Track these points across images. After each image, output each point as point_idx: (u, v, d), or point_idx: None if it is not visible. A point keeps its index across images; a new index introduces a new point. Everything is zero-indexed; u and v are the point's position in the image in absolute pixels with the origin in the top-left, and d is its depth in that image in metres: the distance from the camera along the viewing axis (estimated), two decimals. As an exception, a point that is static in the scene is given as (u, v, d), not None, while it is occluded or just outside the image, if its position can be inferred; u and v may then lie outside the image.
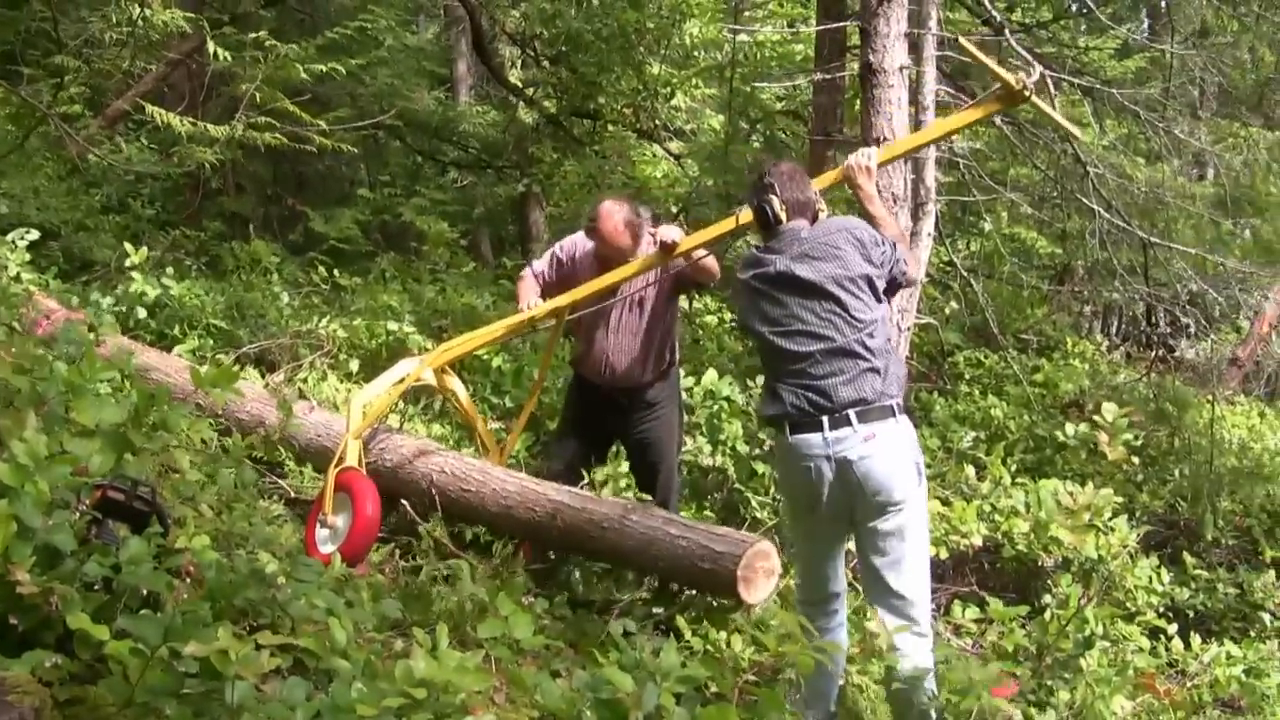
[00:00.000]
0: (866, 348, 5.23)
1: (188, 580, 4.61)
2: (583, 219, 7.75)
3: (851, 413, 5.16)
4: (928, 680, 5.16)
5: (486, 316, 10.71)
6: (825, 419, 5.18)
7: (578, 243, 7.37)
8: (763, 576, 5.94)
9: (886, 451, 5.16)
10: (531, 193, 16.92)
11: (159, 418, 5.07)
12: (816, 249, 5.38)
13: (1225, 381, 15.34)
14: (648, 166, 17.87)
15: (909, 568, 5.25)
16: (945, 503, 8.23)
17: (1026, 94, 5.62)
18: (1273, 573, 8.92)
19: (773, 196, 5.54)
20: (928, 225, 8.15)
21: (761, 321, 5.42)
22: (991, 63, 5.54)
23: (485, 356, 9.70)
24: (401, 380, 7.09)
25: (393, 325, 10.23)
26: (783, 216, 5.54)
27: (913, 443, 5.32)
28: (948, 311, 11.90)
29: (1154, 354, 14.56)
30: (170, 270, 10.47)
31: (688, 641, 5.78)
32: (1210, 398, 10.97)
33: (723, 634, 5.84)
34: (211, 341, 9.72)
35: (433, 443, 7.36)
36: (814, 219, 5.63)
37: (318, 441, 7.50)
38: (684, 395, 8.39)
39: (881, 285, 5.40)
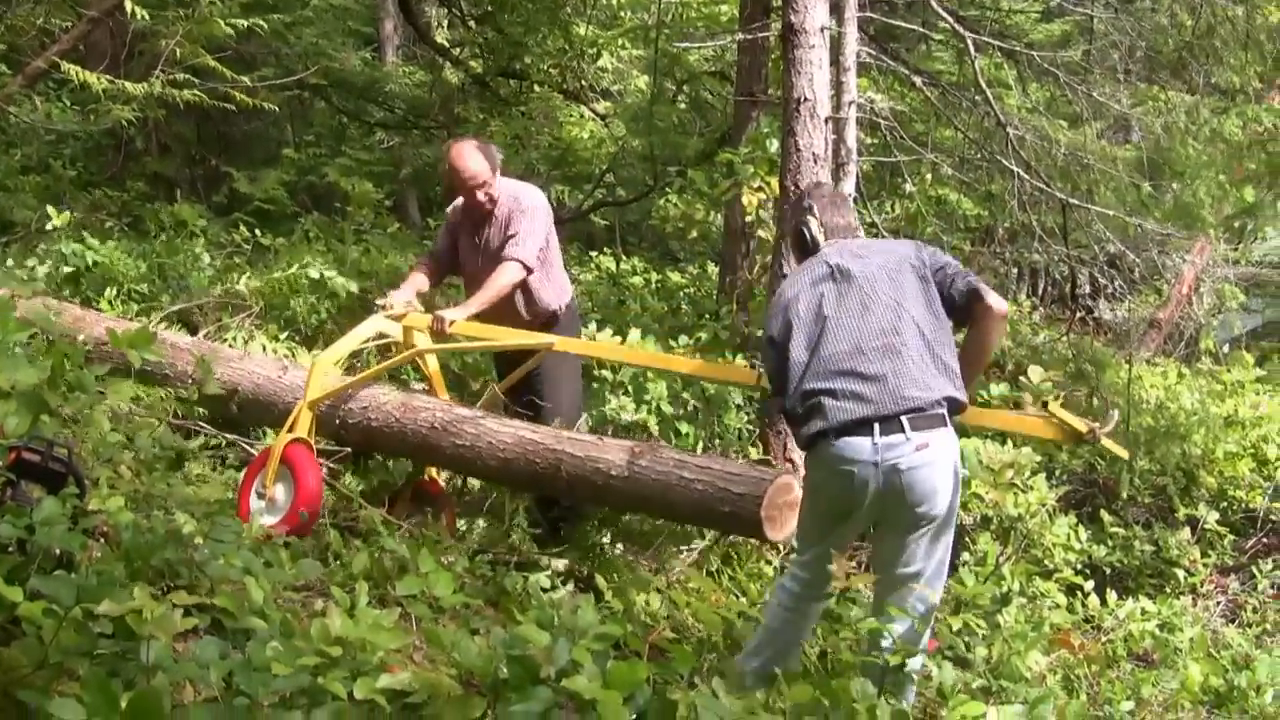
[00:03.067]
0: (924, 350, 5.04)
1: (102, 541, 4.59)
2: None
3: (905, 419, 4.92)
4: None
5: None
6: (877, 425, 4.92)
7: (455, 204, 7.55)
8: (787, 511, 5.84)
9: (937, 463, 4.96)
10: (458, 154, 16.85)
11: (75, 378, 5.04)
12: (864, 249, 5.31)
13: (1146, 343, 15.53)
14: (574, 128, 17.84)
15: (933, 576, 5.20)
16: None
17: (1096, 440, 5.38)
18: (1187, 530, 9.04)
19: (811, 219, 5.44)
20: (848, 185, 8.18)
21: (804, 321, 5.18)
22: (1069, 416, 5.31)
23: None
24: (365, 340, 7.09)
25: (313, 273, 10.17)
26: (820, 240, 5.42)
27: (958, 454, 5.11)
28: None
29: (1073, 315, 14.72)
30: (85, 234, 10.37)
31: (607, 601, 5.81)
32: (1128, 358, 11.13)
33: (642, 596, 5.87)
34: (135, 306, 9.63)
35: (419, 395, 7.14)
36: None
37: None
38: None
39: (933, 287, 5.19)
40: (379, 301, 7.18)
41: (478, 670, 3.86)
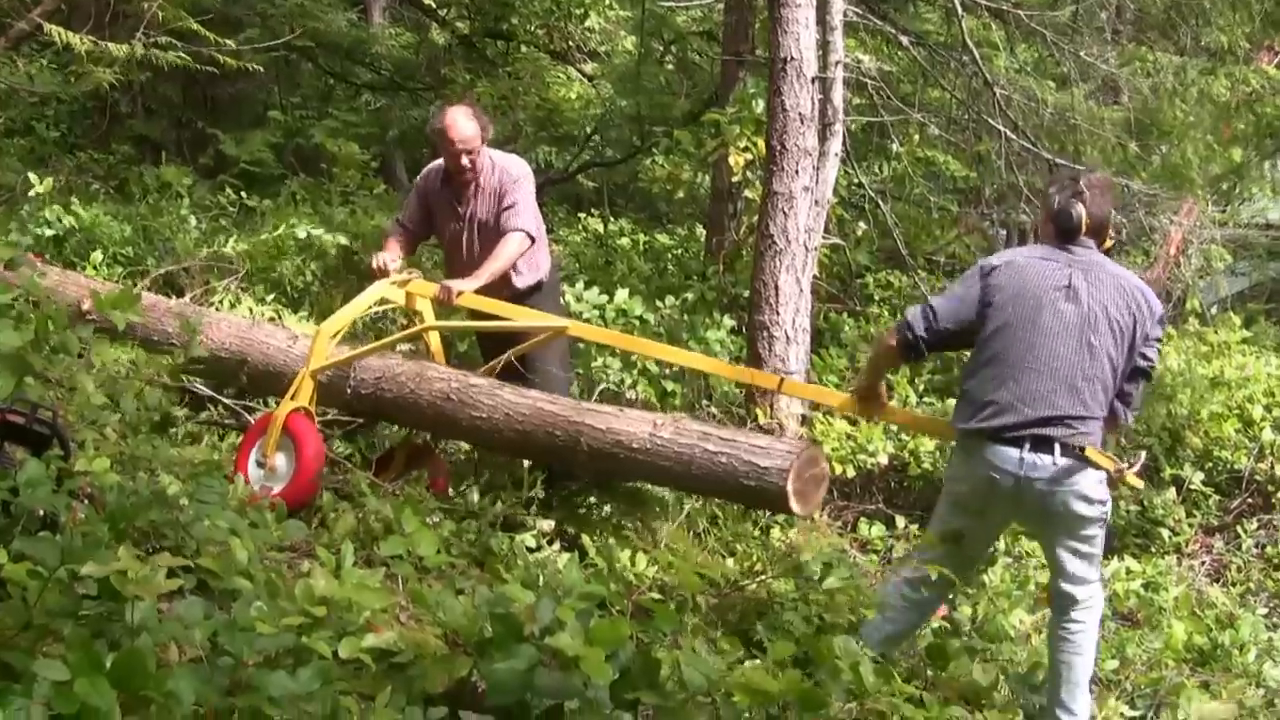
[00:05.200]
0: (1097, 398, 5.21)
1: (87, 503, 4.59)
2: (496, 141, 7.68)
3: (1058, 444, 5.12)
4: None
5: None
6: (1028, 441, 5.14)
7: (427, 172, 7.46)
8: (813, 485, 5.86)
9: (1077, 488, 5.16)
10: (445, 115, 16.78)
11: (60, 341, 5.04)
12: (1108, 284, 5.32)
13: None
14: (561, 88, 17.78)
15: None
16: (852, 422, 8.30)
17: (1124, 480, 5.44)
18: (1173, 490, 9.06)
19: (1081, 204, 5.38)
20: (835, 145, 8.17)
21: (1018, 319, 5.27)
22: (1100, 456, 5.33)
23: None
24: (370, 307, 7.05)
25: (301, 233, 10.15)
26: (1083, 228, 5.39)
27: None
28: (858, 233, 11.94)
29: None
30: (73, 198, 10.35)
31: (592, 559, 5.82)
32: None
33: (627, 556, 5.87)
34: (120, 269, 9.60)
35: (433, 365, 6.99)
36: (1103, 243, 5.49)
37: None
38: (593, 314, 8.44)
39: (1131, 357, 5.35)
40: (375, 265, 7.06)
41: (462, 629, 3.88)
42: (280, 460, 6.37)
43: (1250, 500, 9.57)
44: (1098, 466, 5.13)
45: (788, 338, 7.56)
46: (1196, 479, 9.31)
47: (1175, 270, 15.71)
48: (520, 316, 6.92)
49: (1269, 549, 8.98)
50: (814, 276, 8.27)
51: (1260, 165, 12.65)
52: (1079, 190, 5.41)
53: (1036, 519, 5.41)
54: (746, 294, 8.54)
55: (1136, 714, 5.88)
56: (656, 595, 5.44)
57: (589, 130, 16.71)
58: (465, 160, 7.08)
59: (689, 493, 6.73)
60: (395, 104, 17.55)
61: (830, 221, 9.05)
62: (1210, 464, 9.27)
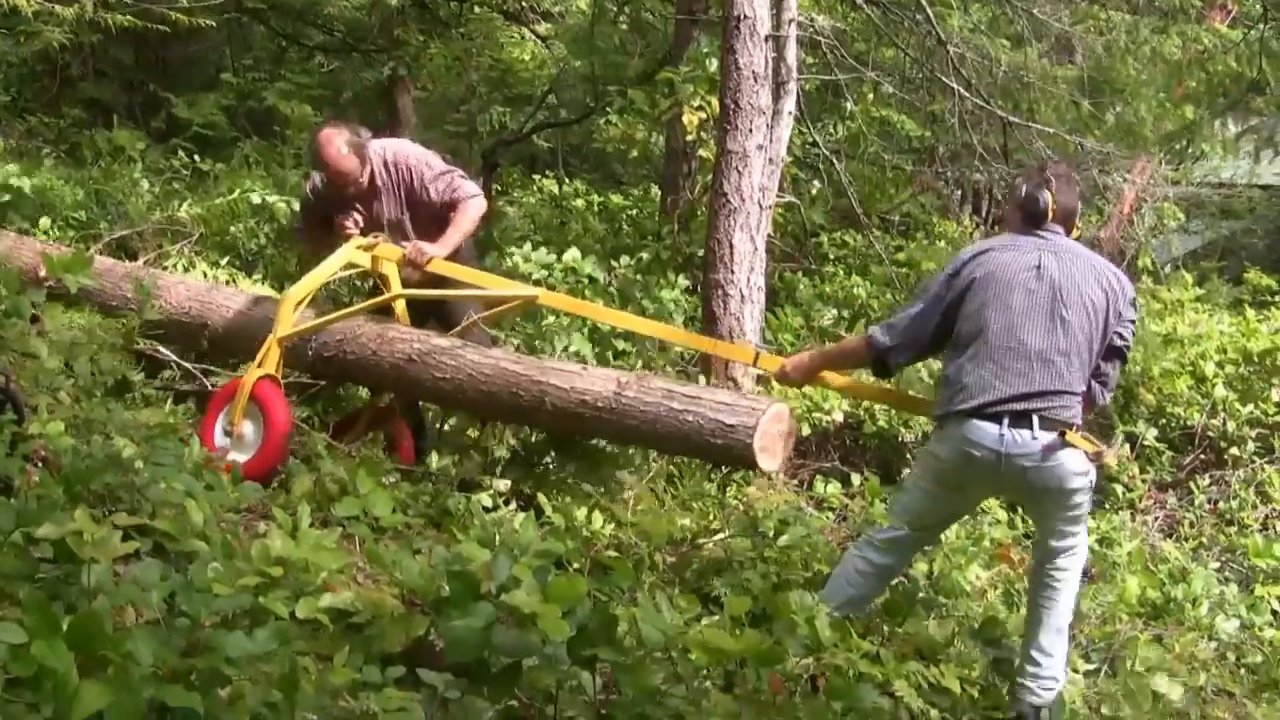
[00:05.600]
0: (1074, 372, 5.24)
1: (42, 466, 4.58)
2: (450, 102, 7.63)
3: (1036, 417, 5.14)
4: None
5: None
6: (1006, 417, 5.15)
7: (317, 182, 7.31)
8: (779, 441, 5.87)
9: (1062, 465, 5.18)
10: (399, 76, 16.68)
11: (13, 305, 5.01)
12: (1079, 263, 5.35)
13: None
14: (515, 49, 17.74)
15: None
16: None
17: (1103, 460, 5.55)
18: (1126, 447, 9.12)
19: (1048, 192, 5.42)
20: (789, 104, 8.15)
21: (991, 302, 5.27)
22: (1080, 439, 5.34)
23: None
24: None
25: (255, 198, 10.11)
26: (1050, 214, 5.42)
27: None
28: (813, 192, 11.97)
29: (1015, 234, 14.75)
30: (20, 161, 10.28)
31: (548, 517, 5.83)
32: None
33: (584, 514, 5.88)
34: (72, 233, 9.54)
35: (396, 326, 6.95)
36: (1069, 232, 5.53)
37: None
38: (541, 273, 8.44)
39: (1106, 335, 5.38)
40: (345, 227, 7.01)
41: (420, 588, 3.90)
42: (248, 428, 6.33)
43: (1203, 456, 9.64)
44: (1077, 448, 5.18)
45: (742, 296, 7.56)
46: (1150, 435, 9.37)
47: (1129, 228, 15.79)
48: (490, 284, 6.91)
49: (1221, 504, 9.06)
50: (769, 235, 8.26)
51: (1211, 123, 12.70)
52: (1046, 179, 5.47)
53: (1022, 493, 5.52)
54: (701, 253, 8.54)
55: (1091, 667, 5.93)
56: (614, 553, 5.46)
57: (543, 91, 16.67)
58: (352, 189, 7.01)
59: (656, 450, 6.73)
60: (348, 66, 17.46)
61: (785, 180, 9.05)
62: (1163, 420, 9.33)
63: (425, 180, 7.06)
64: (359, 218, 7.01)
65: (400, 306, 7.05)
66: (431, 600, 3.81)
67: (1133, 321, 5.51)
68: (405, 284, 6.98)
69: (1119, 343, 5.45)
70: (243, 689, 3.19)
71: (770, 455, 5.84)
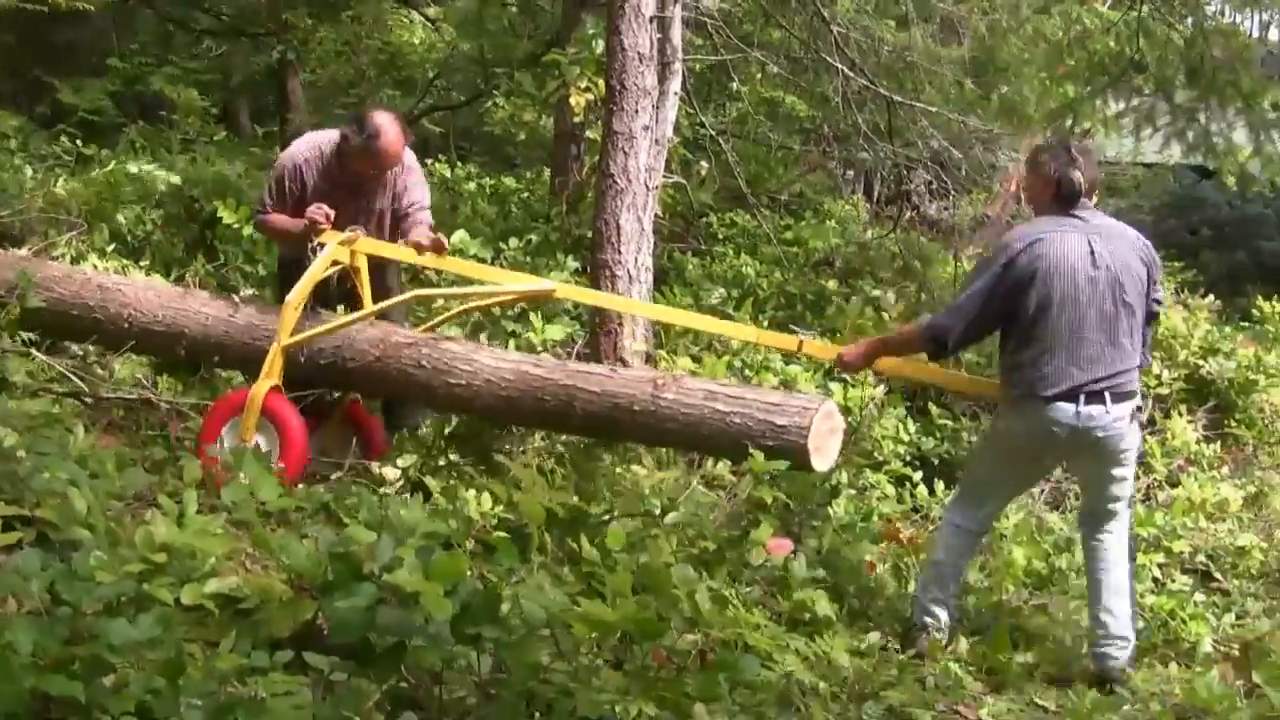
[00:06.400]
0: (1135, 346, 5.68)
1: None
2: (339, 86, 7.54)
3: (1108, 394, 5.54)
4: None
5: (237, 185, 10.48)
6: (1082, 396, 5.52)
7: (307, 159, 6.97)
8: (830, 438, 5.90)
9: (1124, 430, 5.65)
10: (287, 61, 16.55)
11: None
12: (1122, 243, 5.67)
13: (977, 239, 15.77)
14: (404, 32, 17.64)
15: None
16: (696, 359, 8.37)
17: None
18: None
19: (1078, 171, 5.61)
20: (674, 84, 8.17)
21: (1060, 297, 5.52)
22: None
23: (236, 225, 9.50)
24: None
25: (131, 168, 10.00)
26: (1083, 191, 5.64)
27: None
28: (703, 173, 12.01)
29: (899, 213, 14.89)
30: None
31: (436, 500, 5.82)
32: (954, 254, 11.34)
33: (471, 492, 5.87)
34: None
35: (394, 327, 6.76)
36: (1095, 204, 5.83)
37: (254, 346, 6.61)
38: None
39: (1147, 303, 5.76)
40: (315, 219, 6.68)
41: (306, 572, 3.90)
42: (260, 442, 6.11)
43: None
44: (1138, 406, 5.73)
45: (630, 277, 7.58)
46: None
47: (1017, 205, 16.00)
48: (504, 279, 6.89)
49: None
50: (656, 216, 8.29)
51: (1092, 102, 12.85)
52: (1073, 157, 5.67)
53: (1090, 458, 5.79)
54: (589, 234, 8.56)
55: (978, 638, 6.02)
56: (502, 534, 5.47)
57: (432, 74, 16.60)
58: (373, 174, 6.88)
59: (696, 452, 6.77)
60: (237, 50, 17.32)
61: (672, 161, 9.08)
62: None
63: (413, 180, 7.01)
64: (329, 209, 6.71)
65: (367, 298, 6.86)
66: (319, 584, 3.80)
67: (1159, 283, 5.88)
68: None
69: (1155, 308, 5.87)
70: (126, 677, 3.18)
71: (823, 455, 5.89)
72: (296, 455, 6.10)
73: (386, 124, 6.71)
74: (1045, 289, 5.50)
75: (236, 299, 7.13)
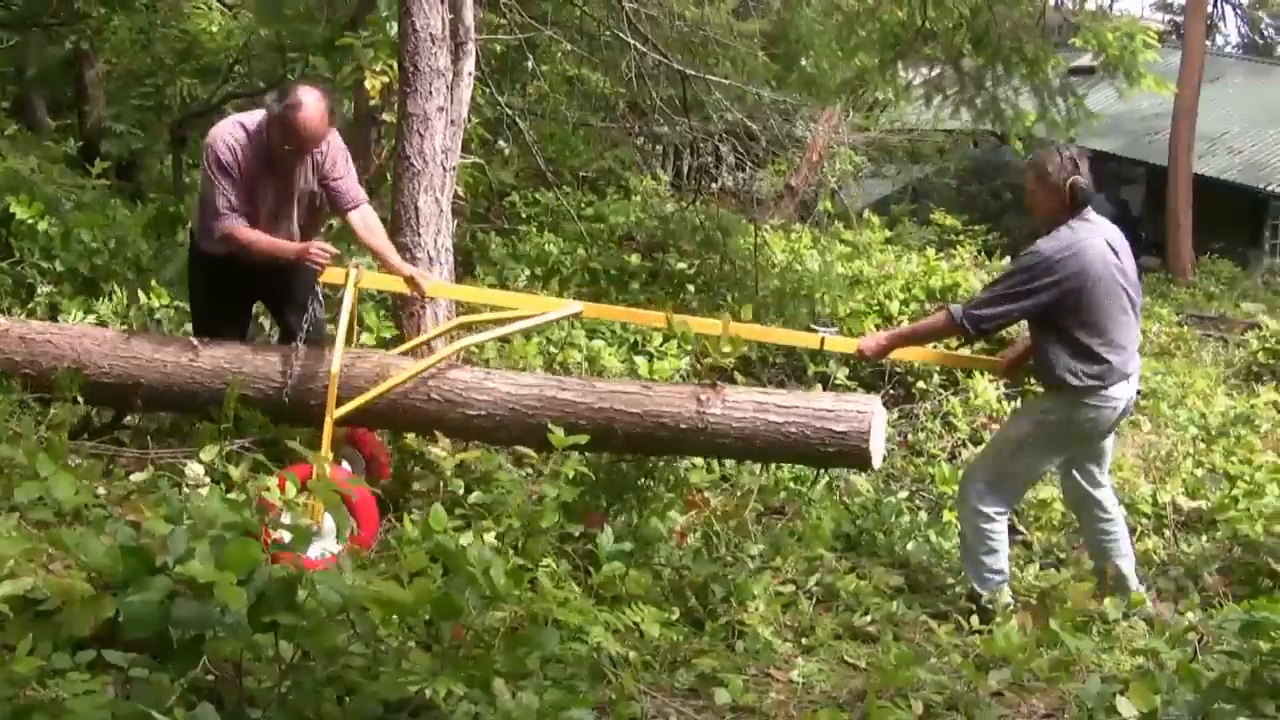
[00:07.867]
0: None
1: None
2: (136, 76, 7.35)
3: (1135, 375, 6.41)
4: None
5: (31, 180, 10.19)
6: (1133, 376, 6.35)
7: (231, 145, 6.53)
8: (879, 435, 5.95)
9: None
10: (83, 51, 16.19)
11: None
12: (1122, 243, 6.35)
13: (781, 209, 16.02)
14: (201, 19, 17.34)
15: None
16: (505, 340, 8.40)
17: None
18: (819, 387, 9.41)
19: (1080, 176, 6.17)
20: (468, 65, 8.15)
21: (1103, 301, 6.16)
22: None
23: (31, 220, 9.27)
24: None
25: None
26: (1089, 197, 6.22)
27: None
28: (508, 152, 12.02)
29: (698, 186, 15.05)
30: None
31: (239, 490, 5.77)
32: (754, 224, 11.50)
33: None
34: None
35: (388, 357, 6.54)
36: None
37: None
38: None
39: None
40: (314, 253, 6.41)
41: (105, 569, 3.85)
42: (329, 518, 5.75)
43: (892, 391, 10.04)
44: None
45: (430, 258, 7.54)
46: (841, 374, 9.72)
47: (819, 175, 16.26)
48: (524, 306, 6.82)
49: (910, 437, 9.46)
50: (457, 196, 8.30)
51: (884, 71, 13.15)
52: (1074, 163, 6.21)
53: (1107, 435, 6.57)
54: (389, 217, 8.52)
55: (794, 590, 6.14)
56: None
57: (231, 61, 16.36)
58: (316, 155, 6.61)
59: (749, 461, 7.04)
60: (29, 41, 16.91)
61: (472, 141, 9.10)
62: (852, 359, 9.63)
63: (341, 167, 6.73)
64: (332, 248, 6.50)
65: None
66: (118, 580, 3.76)
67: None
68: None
69: None
70: (-83, 685, 3.13)
71: (878, 454, 5.99)
72: (370, 531, 5.89)
73: (310, 100, 6.33)
74: (1096, 293, 6.11)
75: (195, 342, 6.66)
